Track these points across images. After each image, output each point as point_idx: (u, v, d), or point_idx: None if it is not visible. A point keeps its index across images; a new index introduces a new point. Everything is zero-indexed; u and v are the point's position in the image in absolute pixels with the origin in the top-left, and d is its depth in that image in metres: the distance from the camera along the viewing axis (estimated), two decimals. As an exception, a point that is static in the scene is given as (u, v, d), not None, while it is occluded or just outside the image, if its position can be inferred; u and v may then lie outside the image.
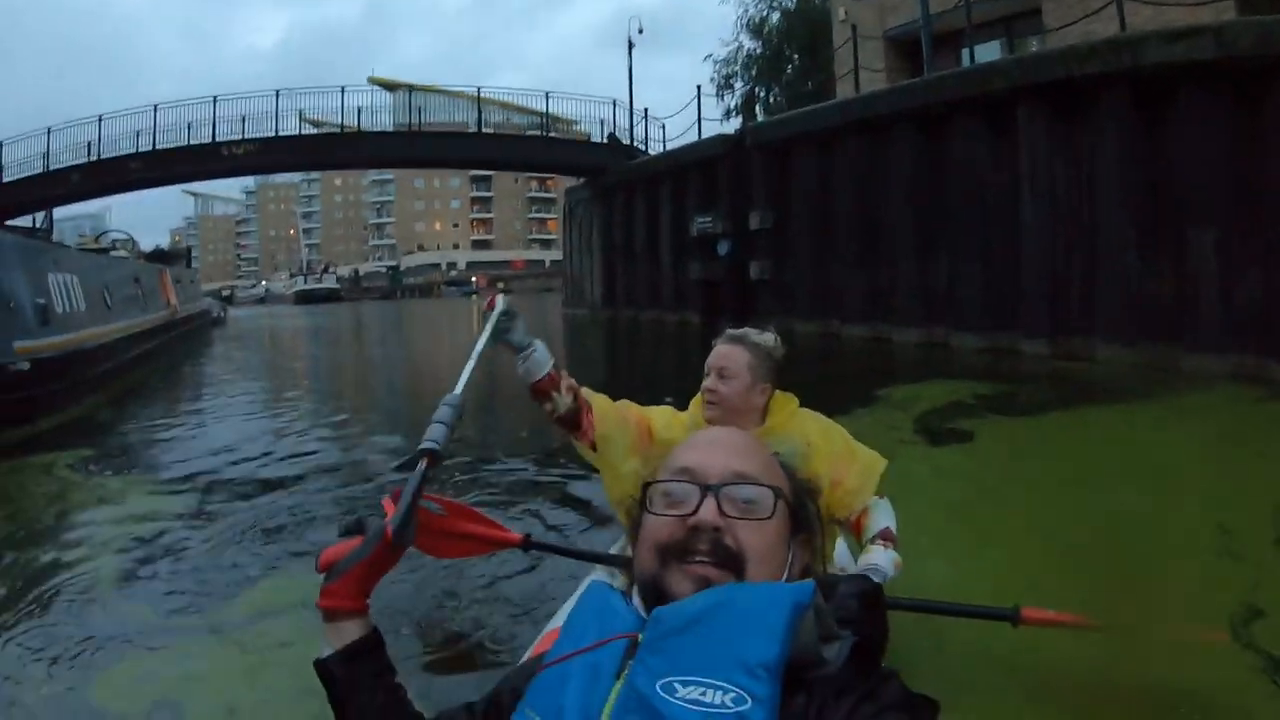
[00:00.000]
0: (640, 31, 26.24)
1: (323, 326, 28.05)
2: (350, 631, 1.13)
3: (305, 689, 2.41)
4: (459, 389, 1.55)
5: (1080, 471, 5.44)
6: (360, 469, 6.62)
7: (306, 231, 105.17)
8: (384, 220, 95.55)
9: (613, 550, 2.69)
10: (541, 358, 2.16)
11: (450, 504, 2.70)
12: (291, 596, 3.68)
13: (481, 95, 23.94)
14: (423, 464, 1.30)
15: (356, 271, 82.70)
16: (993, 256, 11.30)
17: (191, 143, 21.44)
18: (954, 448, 6.33)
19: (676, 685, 0.82)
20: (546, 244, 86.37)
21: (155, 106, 21.51)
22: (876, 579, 1.91)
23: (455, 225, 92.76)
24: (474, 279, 74.05)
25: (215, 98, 21.60)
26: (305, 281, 68.10)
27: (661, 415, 2.44)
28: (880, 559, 2.20)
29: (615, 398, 2.40)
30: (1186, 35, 9.15)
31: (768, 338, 2.40)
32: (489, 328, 1.81)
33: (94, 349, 10.43)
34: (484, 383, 8.09)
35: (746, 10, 30.32)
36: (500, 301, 1.94)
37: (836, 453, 2.39)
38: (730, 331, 2.41)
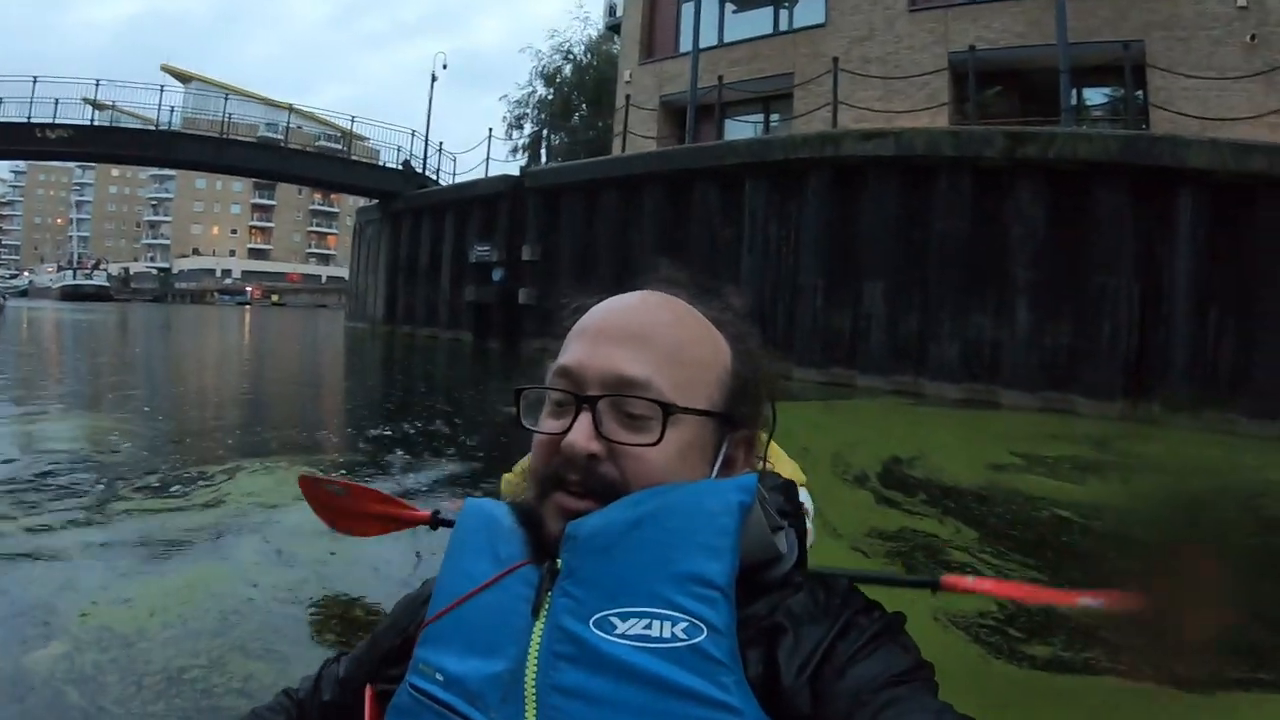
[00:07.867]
0: (444, 68, 27.52)
1: (97, 322, 26.87)
2: None
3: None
4: None
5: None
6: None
7: (77, 222, 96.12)
8: (160, 219, 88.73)
9: None
10: None
11: (353, 486, 3.00)
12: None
13: (294, 108, 24.95)
14: None
15: (127, 270, 76.73)
16: (718, 293, 13.51)
17: (2, 120, 20.35)
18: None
19: (613, 620, 0.66)
20: (325, 259, 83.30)
21: (-32, 81, 20.28)
22: None
23: (234, 232, 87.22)
24: (249, 289, 70.59)
25: (35, 78, 20.75)
26: (75, 276, 62.47)
27: None
28: None
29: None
30: (875, 136, 11.93)
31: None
32: None
33: None
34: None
35: (541, 60, 32.57)
36: None
37: None
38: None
